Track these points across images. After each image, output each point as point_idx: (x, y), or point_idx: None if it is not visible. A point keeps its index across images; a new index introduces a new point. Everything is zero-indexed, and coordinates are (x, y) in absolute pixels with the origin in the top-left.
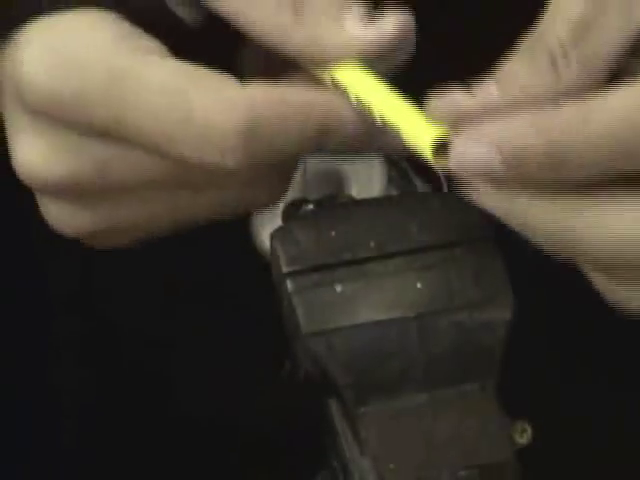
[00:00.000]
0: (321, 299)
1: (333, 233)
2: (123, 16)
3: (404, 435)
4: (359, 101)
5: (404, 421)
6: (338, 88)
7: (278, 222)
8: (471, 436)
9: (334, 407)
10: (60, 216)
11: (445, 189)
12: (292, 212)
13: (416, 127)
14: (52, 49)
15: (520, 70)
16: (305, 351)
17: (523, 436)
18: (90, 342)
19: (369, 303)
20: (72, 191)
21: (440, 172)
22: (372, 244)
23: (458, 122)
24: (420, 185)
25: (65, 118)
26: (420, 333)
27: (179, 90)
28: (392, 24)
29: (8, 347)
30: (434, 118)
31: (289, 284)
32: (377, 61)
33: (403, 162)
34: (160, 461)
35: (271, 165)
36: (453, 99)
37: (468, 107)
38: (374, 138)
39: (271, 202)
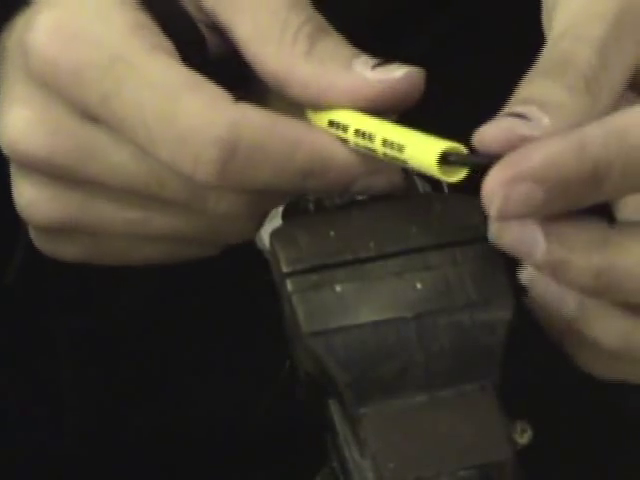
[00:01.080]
0: (321, 299)
1: (333, 233)
2: (147, 10)
3: (404, 435)
4: (358, 132)
5: (404, 421)
6: (332, 130)
7: (278, 222)
8: (471, 436)
9: (334, 407)
10: (33, 199)
11: (445, 190)
12: (292, 212)
13: (422, 143)
14: (65, 20)
15: (561, 96)
16: (305, 351)
17: (523, 436)
18: (90, 342)
19: (369, 303)
20: (49, 169)
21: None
22: (372, 244)
23: (513, 149)
24: (421, 185)
25: (59, 88)
26: (420, 333)
27: (171, 88)
28: (402, 72)
29: (7, 348)
30: (487, 144)
31: (289, 284)
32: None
33: None
34: (161, 461)
35: (244, 200)
36: (510, 126)
37: (528, 135)
38: (354, 185)
39: (238, 240)
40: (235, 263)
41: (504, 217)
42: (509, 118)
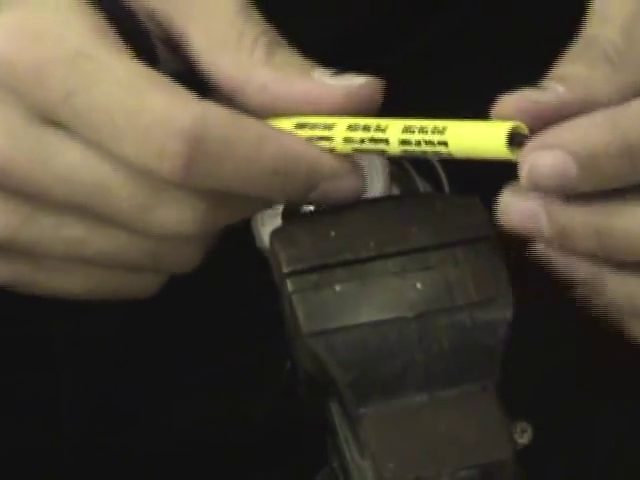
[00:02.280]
0: (321, 299)
1: (333, 233)
2: (107, 17)
3: (404, 435)
4: (350, 126)
5: (404, 421)
6: (300, 132)
7: (278, 222)
8: (471, 436)
9: (334, 407)
10: None
11: (446, 189)
12: (292, 212)
13: (482, 125)
14: (24, 21)
15: (579, 70)
16: (305, 351)
17: (523, 436)
18: (88, 349)
19: (369, 303)
20: (2, 179)
21: (443, 173)
22: (372, 244)
23: (531, 117)
24: (421, 185)
25: (20, 90)
26: (420, 333)
27: (135, 85)
28: (362, 79)
29: (4, 356)
30: (503, 111)
31: (289, 284)
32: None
33: (405, 162)
34: (160, 461)
35: (202, 208)
36: (526, 94)
37: (542, 101)
38: (317, 187)
39: (180, 269)
40: (235, 263)
41: (534, 185)
42: (526, 88)
